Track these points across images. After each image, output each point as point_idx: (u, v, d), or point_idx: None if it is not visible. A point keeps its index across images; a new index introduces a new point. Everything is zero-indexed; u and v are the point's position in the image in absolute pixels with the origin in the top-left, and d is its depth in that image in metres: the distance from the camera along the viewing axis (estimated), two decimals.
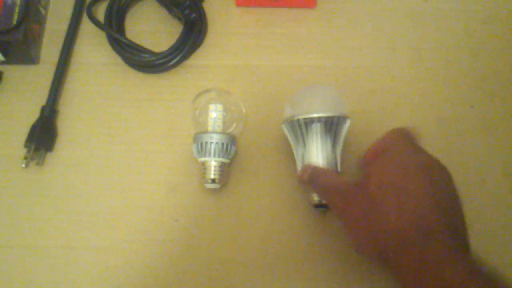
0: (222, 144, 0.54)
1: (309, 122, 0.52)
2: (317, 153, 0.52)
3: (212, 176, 0.54)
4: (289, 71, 0.63)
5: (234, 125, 0.58)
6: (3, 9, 0.60)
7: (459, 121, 0.60)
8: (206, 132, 0.55)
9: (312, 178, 0.50)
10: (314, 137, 0.52)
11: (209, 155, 0.54)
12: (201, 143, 0.54)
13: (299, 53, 0.64)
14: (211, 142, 0.53)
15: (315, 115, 0.52)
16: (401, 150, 0.45)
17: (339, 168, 0.53)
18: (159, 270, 0.54)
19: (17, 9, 0.61)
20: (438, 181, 0.41)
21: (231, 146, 0.55)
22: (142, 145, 0.59)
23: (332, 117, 0.52)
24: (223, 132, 0.55)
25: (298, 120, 0.52)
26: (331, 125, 0.52)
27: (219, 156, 0.54)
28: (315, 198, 0.52)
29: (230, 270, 0.54)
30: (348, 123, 0.53)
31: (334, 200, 0.47)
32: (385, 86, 0.62)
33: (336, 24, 0.66)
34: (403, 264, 0.38)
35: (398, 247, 0.38)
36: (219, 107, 0.56)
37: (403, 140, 0.47)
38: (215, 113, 0.56)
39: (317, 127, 0.52)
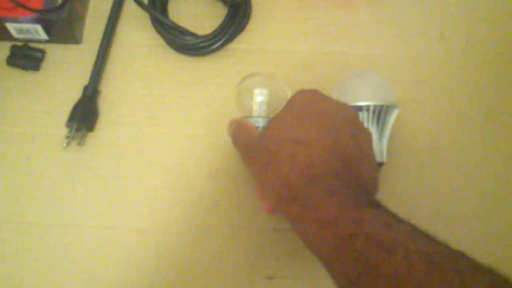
0: None
1: (357, 110, 0.51)
2: None
3: None
4: (334, 58, 0.62)
5: (279, 109, 0.56)
6: None
7: (509, 115, 0.58)
8: (252, 116, 0.53)
9: (234, 133, 0.50)
10: None
11: None
12: None
13: (345, 40, 0.63)
14: (257, 127, 0.52)
15: (363, 103, 0.51)
16: (301, 100, 0.45)
17: (385, 158, 0.52)
18: (198, 253, 0.54)
19: None
20: (334, 126, 0.42)
21: None
22: (183, 128, 0.59)
23: (381, 106, 0.51)
24: (268, 116, 0.54)
25: None
26: (379, 114, 0.51)
27: None
28: None
29: (272, 254, 0.54)
30: (395, 112, 0.52)
31: (243, 153, 0.48)
32: (433, 76, 0.60)
33: (383, 11, 0.64)
34: (293, 210, 0.39)
35: (289, 195, 0.39)
36: (265, 91, 0.54)
37: (305, 92, 0.46)
38: (260, 97, 0.54)
39: (364, 116, 0.51)
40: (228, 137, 0.51)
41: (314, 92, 0.46)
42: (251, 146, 0.46)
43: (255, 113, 0.54)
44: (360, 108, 0.51)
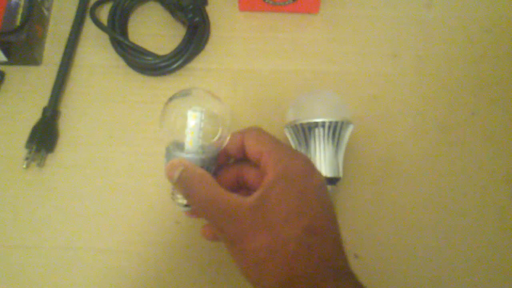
0: (201, 166, 0.41)
1: (312, 126, 0.52)
2: (320, 157, 0.52)
3: (184, 202, 0.42)
4: (291, 76, 0.63)
5: (219, 133, 0.43)
6: (7, 10, 0.60)
7: (461, 128, 0.60)
8: (181, 150, 0.42)
9: (183, 180, 0.40)
10: (317, 142, 0.52)
11: None
12: None
13: (302, 58, 0.64)
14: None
15: (318, 120, 0.52)
16: (299, 173, 0.39)
17: (341, 173, 0.53)
18: (160, 272, 0.54)
19: (20, 10, 0.61)
20: (331, 207, 0.39)
21: (212, 165, 0.42)
22: (143, 147, 0.59)
23: (336, 122, 0.52)
24: (201, 148, 0.42)
25: (302, 124, 0.52)
26: (334, 130, 0.52)
27: None
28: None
29: (231, 272, 0.54)
30: (351, 128, 0.54)
31: (219, 222, 0.38)
32: (387, 92, 0.62)
33: (338, 30, 0.66)
34: None
35: (304, 283, 0.36)
36: (199, 113, 0.41)
37: (299, 161, 0.40)
38: (194, 121, 0.41)
39: (320, 132, 0.52)
40: (169, 181, 0.41)
41: (305, 161, 0.40)
42: (240, 213, 0.37)
43: (187, 142, 0.42)
44: (316, 124, 0.52)
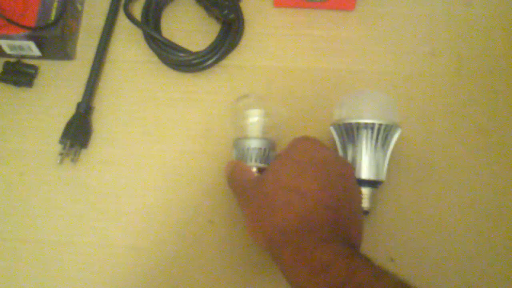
0: (263, 149, 0.53)
1: (361, 127, 0.51)
2: (365, 159, 0.51)
3: None
4: (327, 74, 0.62)
5: (274, 130, 0.56)
6: (42, 5, 0.60)
7: (502, 130, 0.59)
8: (246, 137, 0.54)
9: (230, 173, 0.51)
10: (364, 143, 0.51)
11: (250, 161, 0.53)
12: (241, 149, 0.53)
13: (337, 56, 0.63)
14: (251, 148, 0.53)
15: (368, 121, 0.51)
16: (302, 148, 0.47)
17: (384, 177, 0.52)
18: (192, 271, 0.54)
19: (55, 5, 0.60)
20: (331, 180, 0.44)
21: (270, 151, 0.53)
22: (177, 144, 0.59)
23: (386, 125, 0.51)
24: (262, 137, 0.54)
25: (351, 124, 0.51)
26: (383, 133, 0.51)
27: (260, 162, 0.53)
28: None
29: (264, 272, 0.54)
30: (398, 132, 0.52)
31: (237, 194, 0.49)
32: (425, 92, 0.61)
33: (375, 27, 0.64)
34: (284, 254, 0.40)
35: (282, 239, 0.41)
36: (259, 112, 0.54)
37: (306, 140, 0.49)
38: (254, 118, 0.54)
39: (368, 133, 0.51)
40: (225, 178, 0.52)
41: (315, 141, 0.48)
42: (246, 187, 0.48)
43: (249, 134, 0.54)
44: (365, 126, 0.51)
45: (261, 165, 0.53)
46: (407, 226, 0.55)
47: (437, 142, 0.58)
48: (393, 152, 0.52)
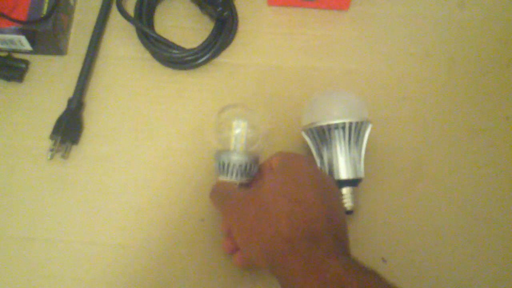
0: (245, 165, 0.51)
1: (333, 128, 0.51)
2: (340, 159, 0.51)
3: None
4: (320, 74, 0.62)
5: (257, 143, 0.55)
6: None
7: (493, 132, 0.59)
8: (228, 151, 0.52)
9: (213, 188, 0.51)
10: (337, 144, 0.51)
11: (230, 176, 0.51)
12: (223, 163, 0.51)
13: (330, 56, 0.63)
14: (233, 164, 0.51)
15: (338, 121, 0.51)
16: (296, 165, 0.47)
17: (362, 174, 0.52)
18: (183, 270, 0.54)
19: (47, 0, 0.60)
20: (327, 194, 0.45)
21: (253, 166, 0.52)
22: (168, 142, 0.59)
23: (356, 123, 0.51)
24: (245, 152, 0.52)
25: (321, 126, 0.51)
26: (354, 131, 0.51)
27: (241, 177, 0.51)
28: None
29: (255, 271, 0.53)
30: (370, 128, 0.52)
31: (227, 207, 0.48)
32: (417, 93, 0.61)
33: (368, 28, 0.65)
34: (291, 263, 0.40)
35: (287, 248, 0.40)
36: (243, 124, 0.52)
37: (299, 158, 0.50)
38: (238, 130, 0.52)
39: (340, 134, 0.51)
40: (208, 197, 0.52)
41: (306, 159, 0.49)
42: (234, 197, 0.47)
43: (232, 147, 0.52)
44: (336, 126, 0.51)
45: (244, 180, 0.52)
46: (399, 227, 0.55)
47: (429, 142, 0.59)
48: (383, 151, 0.53)
